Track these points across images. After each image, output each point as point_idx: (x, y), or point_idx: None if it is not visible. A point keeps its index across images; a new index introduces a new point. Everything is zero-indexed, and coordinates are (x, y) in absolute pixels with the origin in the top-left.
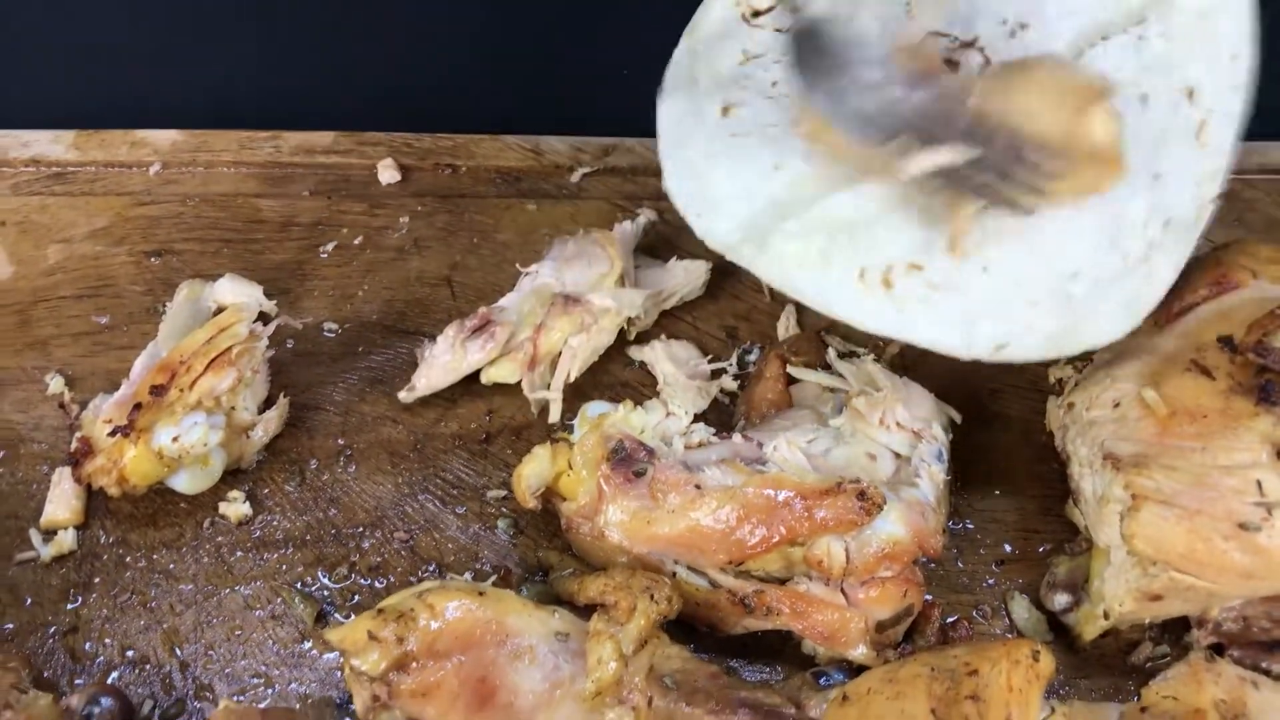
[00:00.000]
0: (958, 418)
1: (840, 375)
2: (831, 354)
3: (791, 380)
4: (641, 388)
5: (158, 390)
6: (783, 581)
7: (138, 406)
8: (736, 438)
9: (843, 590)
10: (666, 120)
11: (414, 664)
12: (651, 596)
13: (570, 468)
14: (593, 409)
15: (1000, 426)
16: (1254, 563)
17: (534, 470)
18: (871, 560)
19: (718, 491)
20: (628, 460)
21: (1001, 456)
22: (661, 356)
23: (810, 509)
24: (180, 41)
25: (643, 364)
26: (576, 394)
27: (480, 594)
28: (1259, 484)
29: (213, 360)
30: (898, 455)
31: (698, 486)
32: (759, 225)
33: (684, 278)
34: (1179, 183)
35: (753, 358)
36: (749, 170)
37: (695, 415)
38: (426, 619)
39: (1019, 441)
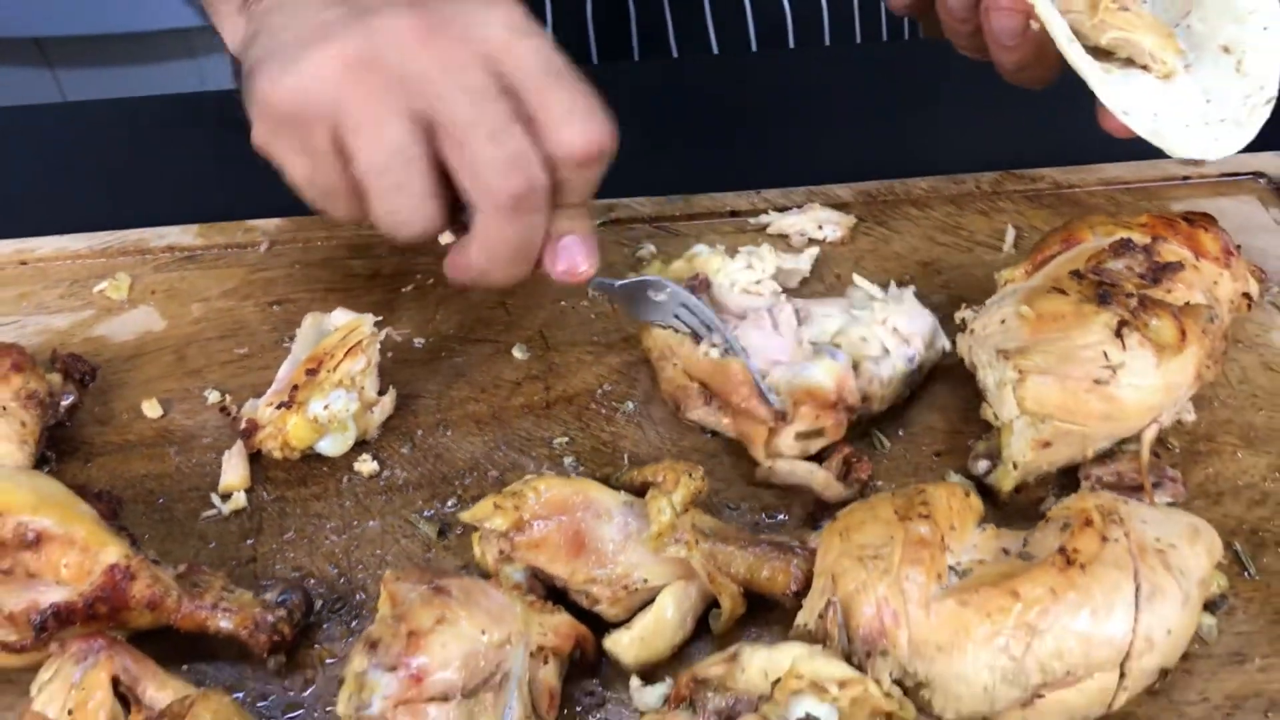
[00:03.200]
0: (950, 347)
1: (885, 290)
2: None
3: None
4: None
5: (312, 372)
6: None
7: (295, 387)
8: (780, 300)
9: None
10: None
11: (527, 525)
12: (690, 474)
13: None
14: (697, 248)
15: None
16: (1109, 407)
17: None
18: (798, 395)
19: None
20: (693, 288)
21: (932, 390)
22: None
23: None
24: None
25: None
26: None
27: (568, 479)
28: (1105, 354)
29: (349, 349)
30: (884, 347)
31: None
32: None
33: None
34: (1226, 98)
35: None
36: None
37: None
38: (533, 494)
39: (943, 379)
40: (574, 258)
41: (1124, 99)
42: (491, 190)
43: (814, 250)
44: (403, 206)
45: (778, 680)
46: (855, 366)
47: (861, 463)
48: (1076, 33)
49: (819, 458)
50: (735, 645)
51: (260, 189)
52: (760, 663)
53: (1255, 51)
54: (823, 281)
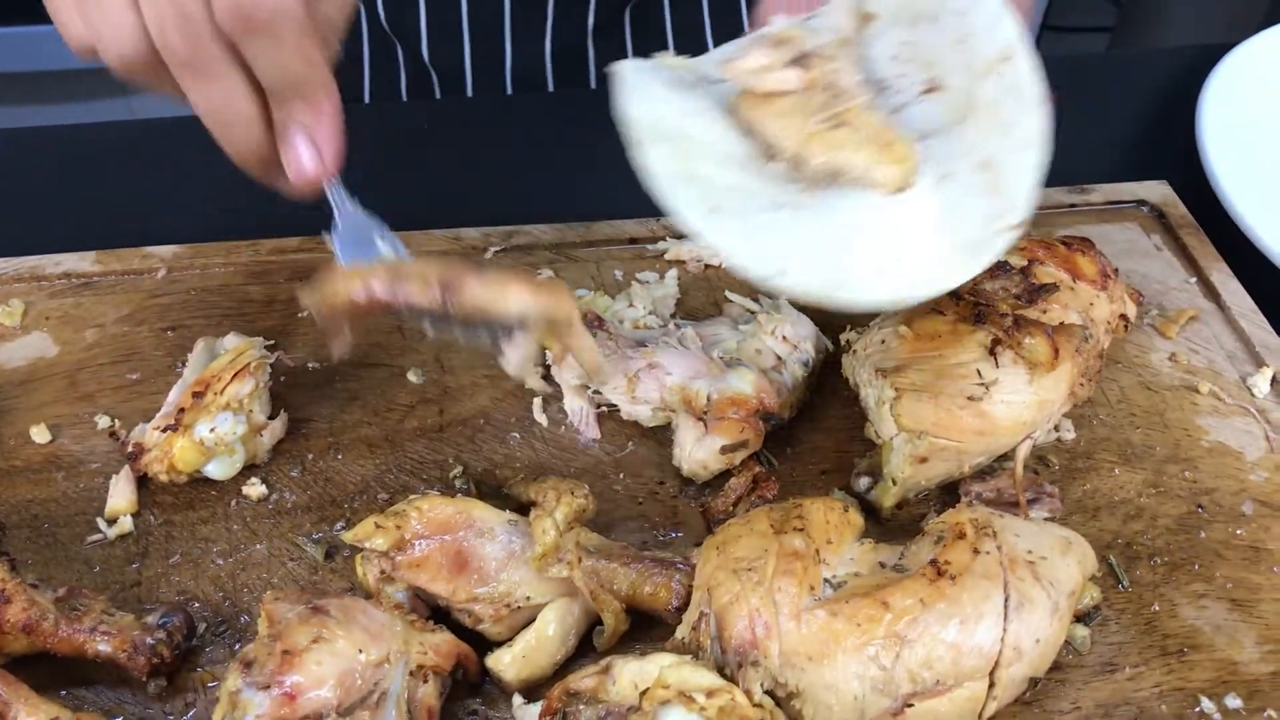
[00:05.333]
0: (831, 346)
1: (759, 303)
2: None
3: None
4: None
5: (198, 395)
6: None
7: (182, 410)
8: (670, 326)
9: (704, 421)
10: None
11: (408, 545)
12: (571, 492)
13: None
14: (578, 292)
15: (819, 397)
16: (982, 423)
17: None
18: (723, 403)
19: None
20: (586, 326)
21: (819, 410)
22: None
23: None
24: (173, 181)
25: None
26: None
27: (452, 498)
28: (979, 371)
29: (237, 372)
30: (778, 356)
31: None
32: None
33: None
34: (969, 219)
35: None
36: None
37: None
38: (415, 514)
39: (830, 400)
40: (297, 154)
41: (772, 246)
42: (160, 44)
43: (673, 272)
44: (96, 20)
45: (646, 690)
46: None
47: (768, 482)
48: (798, 157)
49: (728, 474)
50: (608, 658)
51: (159, 217)
52: (631, 674)
53: (1013, 169)
54: (719, 307)
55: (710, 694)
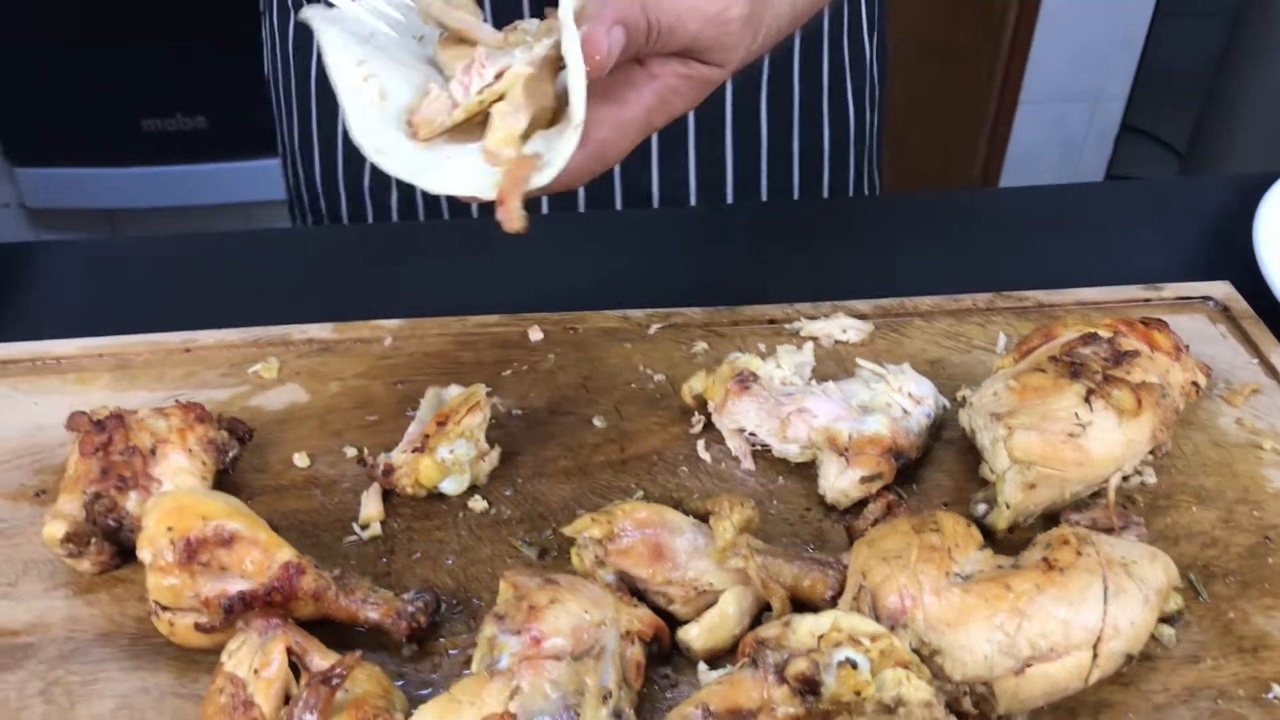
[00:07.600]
0: (948, 404)
1: (885, 368)
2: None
3: None
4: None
5: (441, 424)
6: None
7: (427, 436)
8: (813, 383)
9: (845, 456)
10: None
11: (617, 536)
12: (741, 504)
13: (713, 383)
14: (734, 355)
15: (939, 446)
16: (1080, 455)
17: (693, 383)
18: (862, 441)
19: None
20: (743, 381)
21: (939, 456)
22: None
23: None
24: (391, 272)
25: None
26: None
27: (649, 504)
28: (1076, 414)
29: (470, 408)
30: (904, 409)
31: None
32: None
33: None
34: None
35: None
36: None
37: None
38: (621, 513)
39: (948, 448)
40: None
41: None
42: None
43: (810, 344)
44: None
45: (822, 635)
46: None
47: (901, 506)
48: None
49: (864, 503)
50: (787, 615)
51: (382, 299)
52: (808, 625)
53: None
54: (848, 373)
55: (874, 638)
